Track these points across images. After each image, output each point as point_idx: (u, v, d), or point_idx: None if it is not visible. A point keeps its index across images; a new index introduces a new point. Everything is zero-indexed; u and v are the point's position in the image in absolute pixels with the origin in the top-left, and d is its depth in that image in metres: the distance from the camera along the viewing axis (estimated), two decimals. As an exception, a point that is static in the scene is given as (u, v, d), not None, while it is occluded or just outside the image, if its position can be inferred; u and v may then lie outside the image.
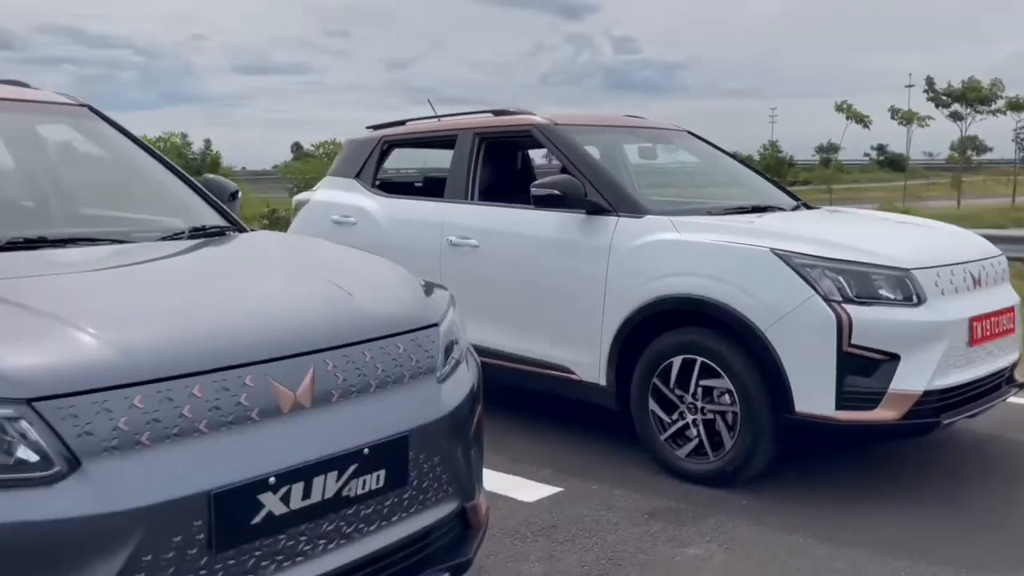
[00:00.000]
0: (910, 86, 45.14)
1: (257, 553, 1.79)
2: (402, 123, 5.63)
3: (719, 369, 3.72)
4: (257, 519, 1.77)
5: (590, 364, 4.15)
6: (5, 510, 1.53)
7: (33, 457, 1.57)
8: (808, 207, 5.00)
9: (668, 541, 3.25)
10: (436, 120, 5.68)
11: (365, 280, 2.39)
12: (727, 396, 3.72)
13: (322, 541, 1.91)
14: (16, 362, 1.61)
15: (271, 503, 1.78)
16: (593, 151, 4.70)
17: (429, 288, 2.51)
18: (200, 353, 1.79)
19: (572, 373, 4.22)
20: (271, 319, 2.00)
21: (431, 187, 5.76)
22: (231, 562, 1.75)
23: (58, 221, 2.90)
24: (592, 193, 4.21)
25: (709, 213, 4.32)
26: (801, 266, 3.57)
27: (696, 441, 3.82)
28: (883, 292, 3.58)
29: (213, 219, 3.01)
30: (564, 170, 4.47)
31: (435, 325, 2.33)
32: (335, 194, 5.56)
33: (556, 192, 4.15)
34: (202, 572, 1.70)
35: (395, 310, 2.26)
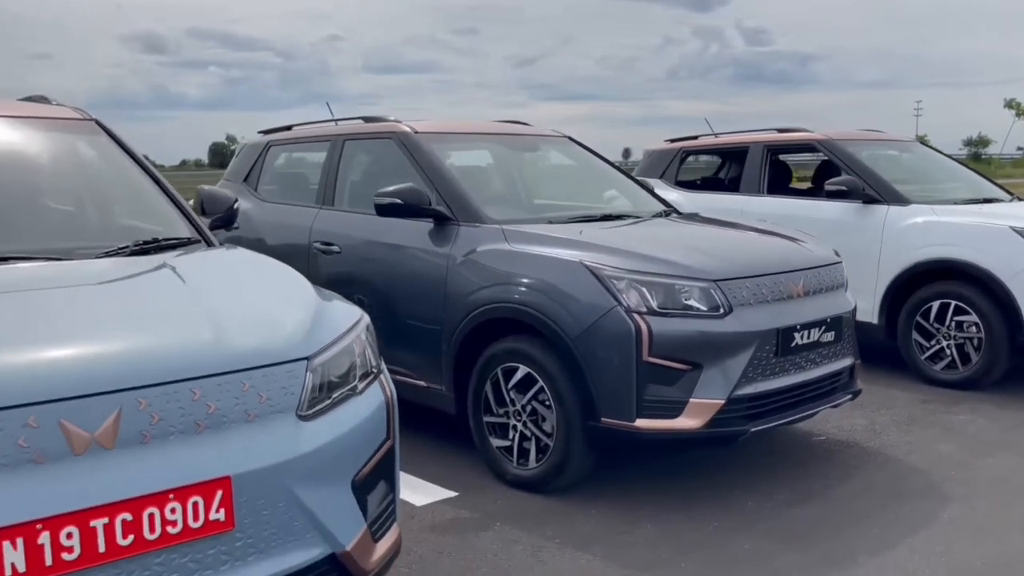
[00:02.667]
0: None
1: (789, 361, 3.75)
2: (695, 137, 7.60)
3: (968, 308, 5.46)
4: (792, 344, 3.74)
5: (866, 309, 5.94)
6: (724, 327, 3.55)
7: (716, 305, 3.58)
8: (1020, 199, 6.63)
9: (942, 413, 5.05)
10: (714, 136, 7.63)
11: (793, 234, 4.36)
12: (974, 327, 5.46)
13: (808, 362, 3.86)
14: (703, 264, 3.65)
15: (797, 337, 3.75)
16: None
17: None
18: (756, 266, 3.79)
19: (851, 315, 6.04)
20: (775, 253, 4.00)
21: (711, 184, 7.73)
22: (780, 363, 3.71)
23: (575, 210, 4.99)
24: (867, 188, 6.01)
25: (954, 203, 6.05)
26: (1032, 238, 5.28)
27: (949, 359, 5.58)
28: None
29: (660, 206, 5.03)
30: (826, 169, 6.29)
31: (839, 263, 4.27)
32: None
33: (843, 187, 5.98)
34: (770, 364, 3.68)
35: (825, 254, 4.22)
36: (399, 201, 4.20)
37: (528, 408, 3.83)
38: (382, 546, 2.37)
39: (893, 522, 3.54)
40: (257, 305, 2.39)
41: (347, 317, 2.49)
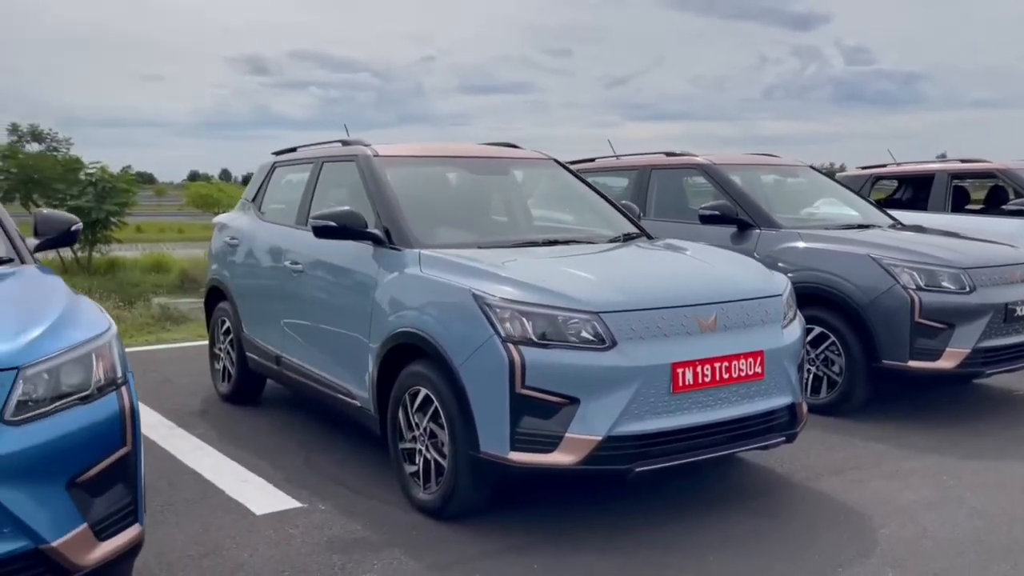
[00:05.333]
0: None
1: (1011, 327, 5.35)
2: (884, 165, 9.20)
3: None
4: (1015, 315, 5.34)
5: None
6: (969, 300, 5.22)
7: (963, 286, 5.23)
8: None
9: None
10: (896, 164, 9.21)
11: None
12: None
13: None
14: (953, 257, 5.32)
15: (1018, 310, 5.35)
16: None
17: None
18: (989, 259, 5.42)
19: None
20: (1000, 252, 5.63)
21: (891, 203, 9.30)
22: (1006, 327, 5.32)
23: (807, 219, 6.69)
24: (1043, 208, 7.53)
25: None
26: None
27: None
28: None
29: (888, 219, 6.67)
30: (996, 193, 7.80)
31: (1041, 260, 5.86)
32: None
33: (1023, 208, 7.50)
34: (1000, 328, 5.28)
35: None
36: (717, 212, 6.00)
37: (821, 356, 5.53)
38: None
39: (1092, 437, 5.11)
40: (735, 263, 4.23)
41: (781, 277, 4.29)
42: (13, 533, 2.31)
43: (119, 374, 2.68)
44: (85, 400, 2.53)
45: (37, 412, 2.41)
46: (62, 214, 3.64)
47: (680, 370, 3.52)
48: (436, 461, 3.77)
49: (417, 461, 3.88)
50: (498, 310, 3.51)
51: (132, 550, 2.65)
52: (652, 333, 3.54)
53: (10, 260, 3.27)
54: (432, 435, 3.78)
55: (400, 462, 4.00)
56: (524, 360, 3.40)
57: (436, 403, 3.72)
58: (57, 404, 2.46)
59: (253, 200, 5.84)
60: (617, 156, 7.75)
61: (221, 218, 6.19)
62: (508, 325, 3.48)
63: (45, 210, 3.70)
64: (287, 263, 4.97)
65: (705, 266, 4.14)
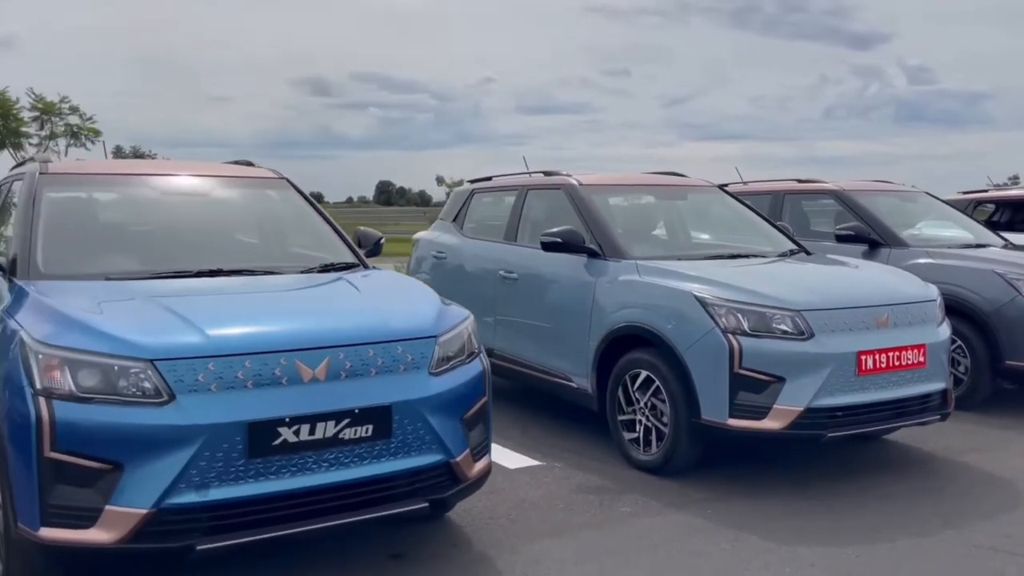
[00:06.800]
0: None
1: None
2: (985, 191, 9.94)
3: None
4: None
5: None
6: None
7: None
8: None
9: None
10: (995, 188, 9.93)
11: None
12: None
13: None
14: None
15: None
16: None
17: None
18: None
19: None
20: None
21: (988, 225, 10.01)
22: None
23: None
24: None
25: None
26: None
27: None
28: None
29: (999, 240, 7.45)
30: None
31: None
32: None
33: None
34: None
35: None
36: (852, 233, 6.88)
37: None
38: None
39: None
40: (896, 274, 5.17)
41: (933, 287, 5.17)
42: (437, 449, 3.34)
43: (477, 346, 3.70)
44: (463, 362, 3.56)
45: (444, 368, 3.44)
46: (373, 231, 4.69)
47: (864, 357, 4.43)
48: (656, 428, 4.72)
49: (636, 429, 4.84)
50: (716, 307, 4.46)
51: (487, 474, 3.66)
52: (840, 327, 4.46)
53: (357, 265, 4.33)
54: (652, 407, 4.74)
55: (619, 431, 4.96)
56: (741, 347, 4.34)
57: (658, 381, 4.68)
58: (451, 363, 3.49)
59: (454, 220, 6.90)
60: (745, 182, 8.67)
61: (420, 235, 7.27)
62: (724, 320, 4.43)
63: (362, 227, 4.76)
64: (501, 272, 5.99)
65: (874, 275, 5.06)
